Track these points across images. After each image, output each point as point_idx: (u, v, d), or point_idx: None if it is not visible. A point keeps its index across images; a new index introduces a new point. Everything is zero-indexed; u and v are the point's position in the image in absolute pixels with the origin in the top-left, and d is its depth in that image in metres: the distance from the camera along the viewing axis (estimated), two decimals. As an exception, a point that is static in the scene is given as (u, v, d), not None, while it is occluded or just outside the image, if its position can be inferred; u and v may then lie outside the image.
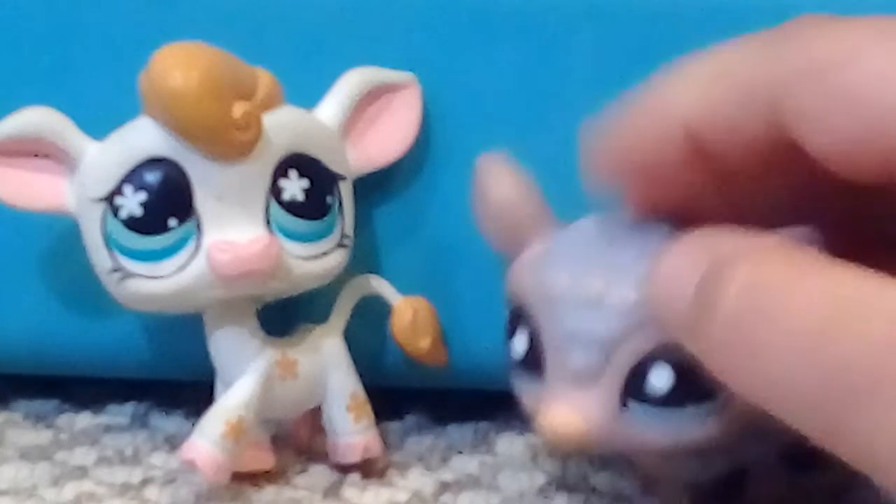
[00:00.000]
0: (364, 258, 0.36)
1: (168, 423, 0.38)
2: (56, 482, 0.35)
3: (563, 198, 0.34)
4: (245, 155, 0.32)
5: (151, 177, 0.32)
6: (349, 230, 0.34)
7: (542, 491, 0.35)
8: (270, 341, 0.34)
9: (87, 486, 0.35)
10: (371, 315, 0.36)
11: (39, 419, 0.39)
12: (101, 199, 0.33)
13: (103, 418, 0.39)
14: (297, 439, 0.37)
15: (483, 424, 0.38)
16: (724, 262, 0.26)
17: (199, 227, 0.32)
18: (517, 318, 0.30)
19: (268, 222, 0.33)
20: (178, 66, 0.31)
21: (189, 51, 0.32)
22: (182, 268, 0.32)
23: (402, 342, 0.36)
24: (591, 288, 0.29)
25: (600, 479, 0.35)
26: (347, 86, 0.35)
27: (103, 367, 0.38)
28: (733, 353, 0.25)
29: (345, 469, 0.35)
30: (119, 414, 0.39)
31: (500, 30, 0.36)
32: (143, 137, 0.32)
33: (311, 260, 0.34)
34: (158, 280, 0.32)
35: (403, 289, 0.36)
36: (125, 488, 0.35)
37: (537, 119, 0.35)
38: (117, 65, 0.34)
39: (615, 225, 0.30)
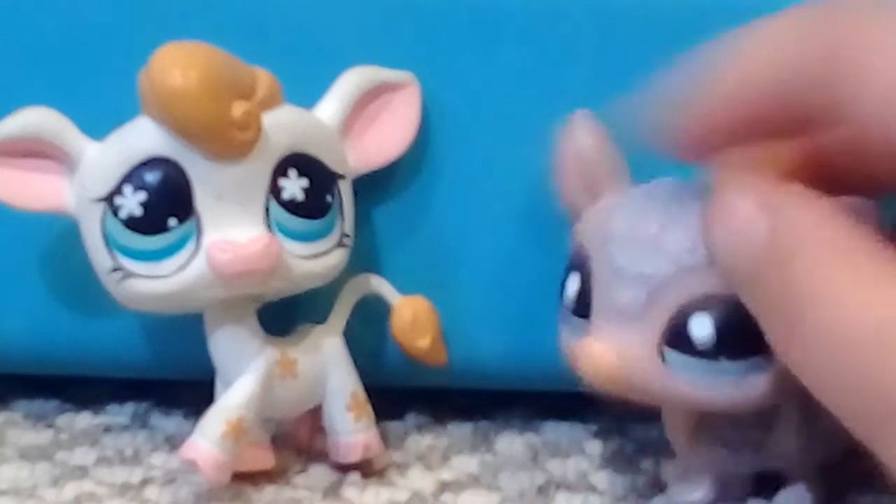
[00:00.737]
0: (364, 258, 0.36)
1: (168, 423, 0.38)
2: (56, 482, 0.35)
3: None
4: (245, 154, 0.32)
5: (151, 176, 0.32)
6: (349, 229, 0.34)
7: (542, 490, 0.35)
8: (270, 341, 0.34)
9: (87, 486, 0.35)
10: (371, 315, 0.36)
11: (39, 419, 0.39)
12: (100, 199, 0.33)
13: (103, 418, 0.39)
14: (297, 439, 0.37)
15: (483, 424, 0.38)
16: (790, 250, 0.26)
17: (198, 226, 0.32)
18: (575, 260, 0.31)
19: (268, 222, 0.33)
20: (178, 65, 0.31)
21: (189, 50, 0.32)
22: (182, 267, 0.32)
23: (401, 342, 0.36)
24: (646, 230, 0.30)
25: (600, 479, 0.35)
26: (347, 85, 0.35)
27: (103, 367, 0.38)
28: (784, 330, 0.26)
29: (345, 469, 0.35)
30: (119, 414, 0.39)
31: (500, 30, 0.36)
32: (143, 137, 0.32)
33: (311, 259, 0.34)
34: (158, 280, 0.32)
35: (403, 289, 0.36)
36: (125, 488, 0.35)
37: (537, 119, 0.35)
38: (117, 65, 0.34)
39: (685, 187, 0.31)
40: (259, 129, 0.32)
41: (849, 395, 0.25)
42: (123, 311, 0.34)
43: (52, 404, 0.39)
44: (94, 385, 0.39)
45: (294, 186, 0.33)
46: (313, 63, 0.35)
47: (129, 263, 0.33)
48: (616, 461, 0.36)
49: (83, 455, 0.37)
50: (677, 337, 0.29)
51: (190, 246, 0.32)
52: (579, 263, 0.31)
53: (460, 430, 0.38)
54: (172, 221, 0.32)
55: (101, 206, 0.33)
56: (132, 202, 0.32)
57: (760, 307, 0.27)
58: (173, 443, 0.37)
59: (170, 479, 0.35)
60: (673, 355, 0.29)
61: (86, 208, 0.33)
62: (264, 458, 0.35)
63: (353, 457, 0.35)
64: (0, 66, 0.36)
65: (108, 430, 0.38)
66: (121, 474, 0.36)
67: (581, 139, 0.32)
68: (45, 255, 0.36)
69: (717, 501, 0.33)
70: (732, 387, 0.30)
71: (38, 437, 0.38)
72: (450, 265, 0.36)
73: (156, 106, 0.32)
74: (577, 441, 0.37)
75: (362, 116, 0.35)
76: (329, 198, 0.34)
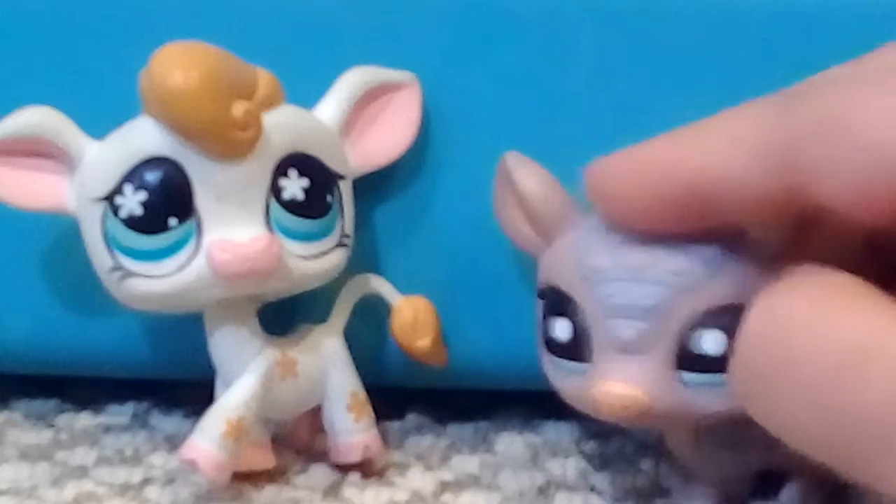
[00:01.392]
0: (364, 258, 0.36)
1: (168, 423, 0.38)
2: (56, 482, 0.35)
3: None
4: (245, 154, 0.32)
5: (151, 176, 0.32)
6: (349, 229, 0.35)
7: (542, 490, 0.35)
8: (270, 341, 0.34)
9: (87, 486, 0.35)
10: (371, 315, 0.36)
11: (39, 419, 0.39)
12: (101, 199, 0.33)
13: (103, 418, 0.39)
14: (297, 439, 0.37)
15: (483, 424, 0.38)
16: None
17: (199, 226, 0.32)
18: (556, 305, 0.31)
19: (268, 221, 0.33)
20: (178, 65, 0.31)
21: (189, 50, 0.32)
22: (182, 267, 0.32)
23: (402, 342, 0.36)
24: (632, 261, 0.30)
25: (600, 479, 0.35)
26: (347, 85, 0.35)
27: (103, 367, 0.38)
28: (753, 391, 0.26)
29: (345, 469, 0.35)
30: (119, 414, 0.39)
31: (500, 30, 0.36)
32: (143, 137, 0.32)
33: (312, 259, 0.34)
34: (158, 279, 0.32)
35: (403, 289, 0.36)
36: (125, 488, 0.35)
37: (537, 119, 0.35)
38: (117, 65, 0.34)
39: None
40: (259, 129, 0.32)
41: (821, 435, 0.25)
42: (123, 311, 0.34)
43: (52, 404, 0.39)
44: (94, 385, 0.39)
45: (294, 186, 0.33)
46: (313, 63, 0.35)
47: (129, 263, 0.33)
48: (616, 461, 0.36)
49: (83, 455, 0.37)
50: (691, 358, 0.29)
51: (190, 246, 0.32)
52: (563, 308, 0.31)
53: (460, 430, 0.38)
54: (173, 221, 0.32)
55: (102, 205, 0.33)
56: (132, 202, 0.32)
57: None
58: (173, 443, 0.37)
59: (170, 479, 0.35)
60: (690, 377, 0.29)
61: (86, 208, 0.33)
62: (264, 458, 0.35)
63: (353, 457, 0.35)
64: (0, 66, 0.36)
65: (108, 430, 0.38)
66: (121, 474, 0.36)
67: (523, 184, 0.32)
68: (46, 255, 0.36)
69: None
70: None
71: (38, 437, 0.38)
72: (450, 265, 0.36)
73: (156, 106, 0.32)
74: (577, 441, 0.37)
75: (362, 116, 0.35)
76: (329, 198, 0.34)
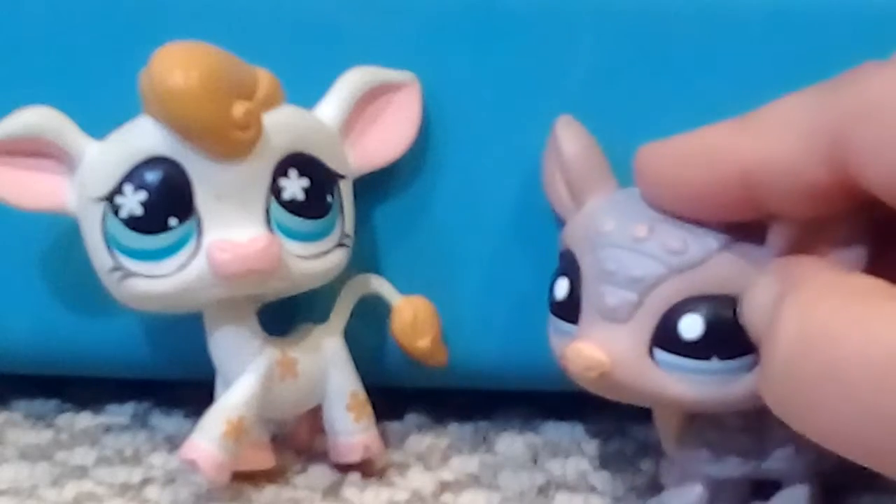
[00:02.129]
0: (364, 258, 0.36)
1: (168, 423, 0.38)
2: (56, 482, 0.35)
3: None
4: (245, 154, 0.32)
5: (152, 176, 0.32)
6: (349, 229, 0.34)
7: (542, 490, 0.35)
8: (270, 341, 0.34)
9: (87, 486, 0.35)
10: (371, 315, 0.36)
11: (39, 419, 0.39)
12: (101, 199, 0.33)
13: (103, 418, 0.39)
14: (297, 439, 0.37)
15: (483, 424, 0.38)
16: (787, 291, 0.27)
17: (199, 226, 0.32)
18: (562, 267, 0.32)
19: (268, 221, 0.33)
20: (178, 65, 0.31)
21: (189, 50, 0.32)
22: (182, 267, 0.32)
23: (402, 342, 0.36)
24: (634, 232, 0.30)
25: (600, 479, 0.35)
26: (347, 85, 0.35)
27: (103, 367, 0.38)
28: (794, 399, 0.26)
29: (345, 469, 0.35)
30: (119, 414, 0.39)
31: (500, 30, 0.35)
32: (144, 137, 0.32)
33: (312, 259, 0.34)
34: (159, 279, 0.32)
35: (403, 289, 0.36)
36: (125, 488, 0.35)
37: (537, 119, 0.35)
38: (117, 65, 0.34)
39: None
40: (259, 129, 0.32)
41: (865, 439, 0.25)
42: (123, 311, 0.34)
43: (52, 404, 0.39)
44: (94, 385, 0.39)
45: (294, 186, 0.33)
46: (313, 63, 0.35)
47: (129, 263, 0.33)
48: (616, 461, 0.36)
49: (83, 455, 0.37)
50: (667, 337, 0.30)
51: (190, 246, 0.32)
52: (567, 268, 0.31)
53: (460, 430, 0.38)
54: (173, 221, 0.32)
55: (102, 205, 0.33)
56: (133, 201, 0.32)
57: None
58: (173, 443, 0.37)
59: (170, 479, 0.35)
60: (663, 355, 0.30)
61: (86, 208, 0.33)
62: (264, 458, 0.35)
63: (353, 457, 0.35)
64: (0, 66, 0.36)
65: (108, 430, 0.38)
66: (121, 474, 0.36)
67: (565, 145, 0.33)
68: (46, 255, 0.36)
69: None
70: (722, 386, 0.30)
71: (38, 437, 0.38)
72: (450, 265, 0.36)
73: (156, 106, 0.32)
74: (577, 441, 0.37)
75: (363, 116, 0.35)
76: (329, 198, 0.34)
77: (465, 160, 0.36)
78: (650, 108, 0.35)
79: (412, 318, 0.35)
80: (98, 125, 0.33)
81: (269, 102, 0.33)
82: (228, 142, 0.32)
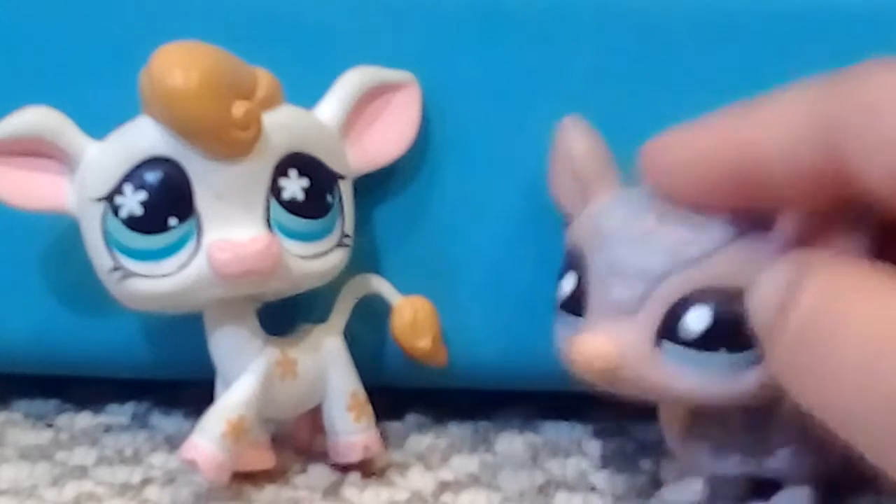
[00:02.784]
0: (364, 258, 0.36)
1: (168, 423, 0.38)
2: (56, 482, 0.35)
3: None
4: (245, 154, 0.32)
5: (151, 176, 0.32)
6: (349, 229, 0.35)
7: (542, 490, 0.35)
8: (270, 341, 0.34)
9: (87, 486, 0.35)
10: (371, 315, 0.36)
11: (39, 419, 0.39)
12: (101, 199, 0.33)
13: (103, 418, 0.39)
14: (297, 439, 0.37)
15: (483, 424, 0.38)
16: (798, 278, 0.27)
17: (199, 226, 0.32)
18: (570, 261, 0.32)
19: (268, 221, 0.33)
20: (178, 65, 0.31)
21: (189, 50, 0.32)
22: (182, 267, 0.32)
23: (402, 342, 0.36)
24: (641, 225, 0.30)
25: (600, 479, 0.35)
26: (347, 85, 0.35)
27: (103, 367, 0.38)
28: (798, 373, 0.26)
29: (345, 469, 0.35)
30: (119, 414, 0.39)
31: (500, 30, 0.36)
32: (143, 137, 0.32)
33: (312, 259, 0.34)
34: (159, 279, 0.32)
35: (403, 289, 0.36)
36: (125, 488, 0.35)
37: (537, 119, 0.35)
38: (117, 65, 0.34)
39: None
40: (259, 128, 0.32)
41: (867, 417, 0.25)
42: (123, 311, 0.34)
43: (52, 404, 0.39)
44: (94, 385, 0.39)
45: (294, 186, 0.33)
46: (313, 63, 0.35)
47: (129, 263, 0.33)
48: (616, 461, 0.36)
49: (83, 455, 0.37)
50: (674, 329, 0.30)
51: (190, 245, 0.32)
52: (575, 263, 0.31)
53: (460, 430, 0.38)
54: (173, 221, 0.32)
55: (102, 205, 0.33)
56: (132, 202, 0.32)
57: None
58: (173, 443, 0.37)
59: (170, 479, 0.35)
60: (669, 347, 0.30)
61: (86, 208, 0.33)
62: (264, 458, 0.35)
63: (353, 457, 0.35)
64: (0, 66, 0.36)
65: (108, 430, 0.38)
66: (121, 474, 0.36)
67: (572, 143, 0.33)
68: (45, 255, 0.36)
69: (710, 503, 0.33)
70: (729, 379, 0.30)
71: (38, 437, 0.38)
72: (450, 265, 0.36)
73: (156, 106, 0.32)
74: (577, 441, 0.37)
75: (362, 116, 0.35)
76: (329, 198, 0.34)
77: (465, 160, 0.36)
78: (650, 108, 0.35)
79: (412, 318, 0.35)
80: (98, 125, 0.33)
81: (269, 102, 0.33)
82: (228, 142, 0.32)
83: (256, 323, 0.34)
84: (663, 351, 0.30)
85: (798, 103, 0.28)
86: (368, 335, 0.36)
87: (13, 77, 0.36)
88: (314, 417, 0.36)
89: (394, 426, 0.38)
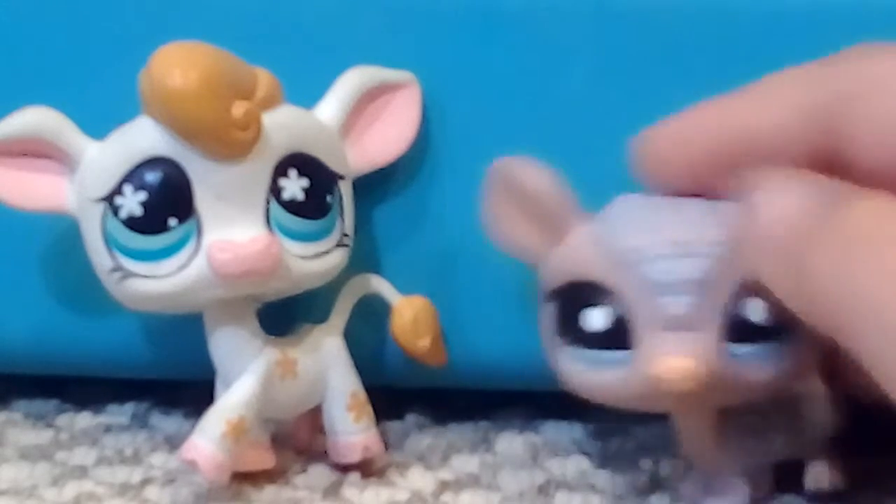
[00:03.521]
0: (364, 258, 0.36)
1: (168, 423, 0.38)
2: (56, 482, 0.35)
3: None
4: (245, 154, 0.32)
5: (151, 176, 0.32)
6: (349, 229, 0.35)
7: (542, 490, 0.35)
8: (270, 341, 0.34)
9: (87, 486, 0.35)
10: (371, 315, 0.36)
11: (39, 419, 0.39)
12: (101, 199, 0.33)
13: (103, 418, 0.39)
14: (297, 439, 0.37)
15: (483, 424, 0.38)
16: (835, 201, 0.26)
17: (199, 226, 0.32)
18: (585, 297, 0.31)
19: (268, 222, 0.33)
20: (178, 65, 0.31)
21: (189, 50, 0.32)
22: (182, 267, 0.32)
23: (402, 342, 0.36)
24: (672, 236, 0.30)
25: (600, 478, 0.35)
26: (347, 85, 0.35)
27: (103, 367, 0.38)
28: (837, 300, 0.26)
29: (345, 469, 0.35)
30: (119, 414, 0.39)
31: (500, 30, 0.36)
32: (143, 137, 0.32)
33: (312, 259, 0.34)
34: (158, 280, 0.32)
35: (403, 289, 0.36)
36: (125, 488, 0.35)
37: (537, 119, 0.35)
38: (117, 65, 0.34)
39: (654, 198, 0.31)
40: (259, 129, 0.32)
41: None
42: (123, 311, 0.34)
43: (52, 404, 0.39)
44: (94, 385, 0.39)
45: (294, 186, 0.33)
46: (313, 63, 0.35)
47: (129, 263, 0.33)
48: (616, 461, 0.36)
49: (83, 455, 0.37)
50: (738, 328, 0.30)
51: (190, 246, 0.32)
52: (596, 298, 0.30)
53: (460, 430, 0.38)
54: (172, 221, 0.32)
55: (102, 205, 0.33)
56: (132, 202, 0.32)
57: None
58: (173, 443, 0.37)
59: (170, 479, 0.35)
60: (739, 348, 0.30)
61: (86, 208, 0.33)
62: (264, 458, 0.35)
63: (353, 457, 0.35)
64: (0, 66, 0.36)
65: (108, 430, 0.38)
66: (121, 474, 0.36)
67: (529, 182, 0.32)
68: (46, 255, 0.36)
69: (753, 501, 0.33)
70: (793, 361, 0.30)
71: (38, 437, 0.38)
72: (450, 265, 0.36)
73: (156, 106, 0.32)
74: (577, 441, 0.37)
75: (362, 116, 0.35)
76: (329, 198, 0.34)
77: (465, 160, 0.36)
78: (650, 108, 0.35)
79: (412, 318, 0.35)
80: (98, 125, 0.33)
81: (269, 102, 0.33)
82: (228, 142, 0.32)
83: (256, 323, 0.34)
84: (735, 353, 0.30)
85: (794, 82, 0.28)
86: (368, 335, 0.36)
87: (13, 77, 0.36)
88: (314, 417, 0.36)
89: (394, 426, 0.38)
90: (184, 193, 0.32)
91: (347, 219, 0.34)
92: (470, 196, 0.36)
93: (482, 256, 0.36)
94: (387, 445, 0.36)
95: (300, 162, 0.33)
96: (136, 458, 0.37)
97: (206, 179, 0.32)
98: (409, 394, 0.38)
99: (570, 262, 0.31)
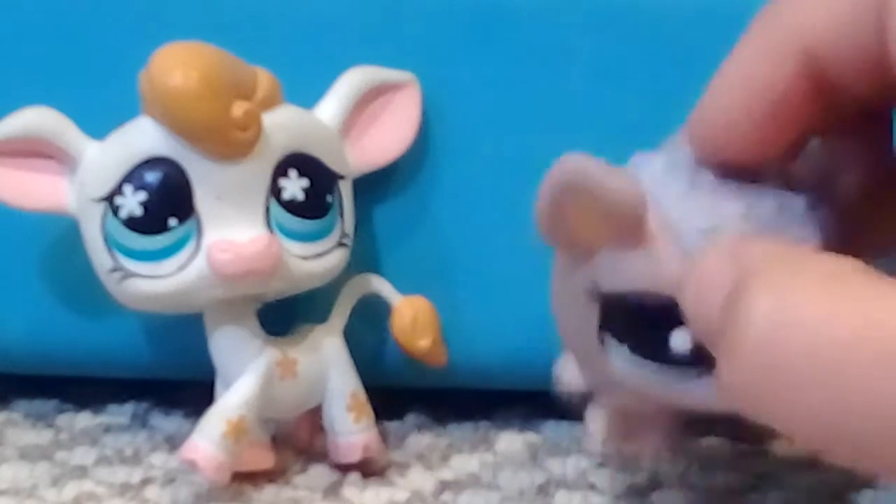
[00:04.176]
0: (364, 258, 0.36)
1: (168, 423, 0.38)
2: (56, 482, 0.35)
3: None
4: (245, 154, 0.32)
5: (151, 176, 0.32)
6: (349, 229, 0.35)
7: (542, 489, 0.35)
8: (270, 341, 0.34)
9: (87, 486, 0.35)
10: (371, 315, 0.36)
11: (39, 419, 0.39)
12: (101, 199, 0.33)
13: (103, 418, 0.39)
14: (297, 439, 0.37)
15: (483, 424, 0.38)
16: (748, 276, 0.25)
17: (199, 226, 0.32)
18: (670, 317, 0.28)
19: (268, 222, 0.33)
20: (178, 65, 0.31)
21: (189, 50, 0.32)
22: (182, 267, 0.32)
23: (402, 342, 0.36)
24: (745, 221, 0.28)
25: (600, 478, 0.35)
26: (347, 85, 0.35)
27: (103, 367, 0.38)
28: (761, 384, 0.24)
29: (345, 469, 0.35)
30: (119, 414, 0.39)
31: (500, 30, 0.36)
32: (143, 137, 0.32)
33: (311, 259, 0.34)
34: (159, 280, 0.32)
35: (403, 289, 0.36)
36: (125, 488, 0.35)
37: (537, 119, 0.35)
38: (117, 65, 0.34)
39: (685, 175, 0.29)
40: (259, 129, 0.32)
41: (846, 429, 0.24)
42: (123, 311, 0.34)
43: (52, 404, 0.39)
44: (94, 385, 0.39)
45: (294, 186, 0.33)
46: (313, 63, 0.35)
47: (129, 263, 0.33)
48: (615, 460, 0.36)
49: (83, 455, 0.37)
50: None
51: (190, 246, 0.32)
52: (674, 319, 0.27)
53: (460, 430, 0.38)
54: (173, 221, 0.32)
55: (102, 205, 0.33)
56: (132, 202, 0.32)
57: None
58: (173, 443, 0.37)
59: (170, 479, 0.35)
60: None
61: (86, 208, 0.33)
62: (264, 458, 0.35)
63: (353, 457, 0.35)
64: (0, 66, 0.36)
65: (108, 430, 0.38)
66: (121, 474, 0.36)
67: (609, 179, 0.28)
68: (45, 255, 0.36)
69: None
70: None
71: (38, 437, 0.38)
72: (450, 265, 0.36)
73: (156, 106, 0.32)
74: (577, 441, 0.37)
75: (362, 116, 0.35)
76: (329, 198, 0.34)
77: (465, 160, 0.36)
78: (650, 108, 0.35)
79: (412, 318, 0.35)
80: (98, 125, 0.33)
81: (269, 102, 0.33)
82: (228, 142, 0.32)
83: (256, 323, 0.34)
84: None
85: None
86: (368, 335, 0.36)
87: (13, 77, 0.36)
88: (314, 417, 0.36)
89: (394, 426, 0.38)
90: (184, 193, 0.32)
91: (347, 219, 0.35)
92: (470, 196, 0.36)
93: (482, 256, 0.36)
94: (387, 445, 0.36)
95: (300, 162, 0.33)
96: (136, 458, 0.37)
97: (206, 179, 0.32)
98: (409, 394, 0.39)
99: (648, 269, 0.28)
